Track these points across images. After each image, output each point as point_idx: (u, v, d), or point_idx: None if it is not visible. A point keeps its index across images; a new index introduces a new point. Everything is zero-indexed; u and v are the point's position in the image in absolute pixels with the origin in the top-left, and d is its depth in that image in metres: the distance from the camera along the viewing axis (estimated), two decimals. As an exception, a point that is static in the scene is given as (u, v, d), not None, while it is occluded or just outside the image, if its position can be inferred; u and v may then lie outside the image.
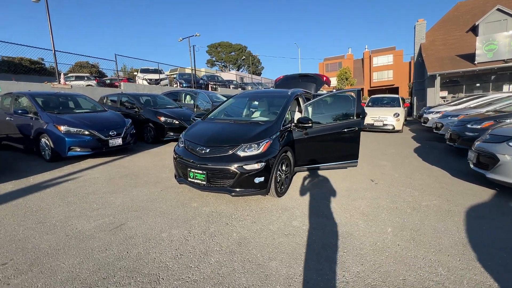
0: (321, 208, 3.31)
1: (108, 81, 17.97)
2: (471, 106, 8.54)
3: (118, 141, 5.93)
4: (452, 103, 10.74)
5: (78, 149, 5.42)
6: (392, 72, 47.60)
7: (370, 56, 49.79)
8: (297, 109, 4.93)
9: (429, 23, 17.01)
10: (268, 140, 3.39)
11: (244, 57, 60.14)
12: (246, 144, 3.31)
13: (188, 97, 11.16)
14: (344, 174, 4.75)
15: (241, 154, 3.26)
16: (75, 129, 5.46)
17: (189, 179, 3.42)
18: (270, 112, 4.36)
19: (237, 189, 3.23)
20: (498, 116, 5.38)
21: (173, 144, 7.73)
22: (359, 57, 52.91)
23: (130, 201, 3.57)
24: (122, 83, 12.38)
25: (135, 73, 17.11)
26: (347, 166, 4.19)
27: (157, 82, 14.89)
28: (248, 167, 3.18)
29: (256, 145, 3.31)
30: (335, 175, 4.68)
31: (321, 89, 6.49)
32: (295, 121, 4.03)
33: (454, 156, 5.98)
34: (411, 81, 22.56)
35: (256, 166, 3.19)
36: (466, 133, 5.62)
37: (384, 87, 47.25)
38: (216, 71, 39.46)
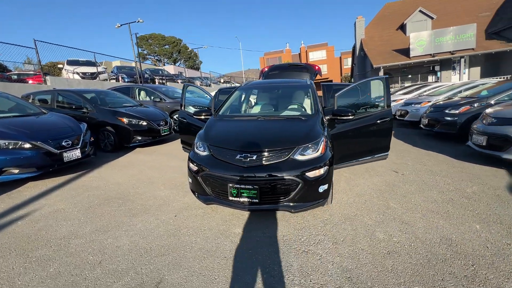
0: (383, 211, 2.91)
1: (16, 76, 14.01)
2: (426, 94, 9.58)
3: (76, 153, 4.38)
4: (400, 92, 11.94)
5: (16, 171, 3.75)
6: (326, 66, 51.86)
7: (306, 51, 53.04)
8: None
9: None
10: (324, 139, 2.79)
11: (180, 50, 56.61)
12: (302, 145, 2.64)
13: (143, 93, 9.49)
14: (363, 168, 4.50)
15: (300, 158, 2.58)
16: (5, 142, 3.75)
17: (230, 197, 2.55)
18: (293, 105, 3.74)
19: (299, 204, 2.55)
20: (471, 101, 5.97)
21: (142, 150, 6.31)
22: (297, 51, 55.79)
23: (142, 240, 2.49)
24: (48, 78, 9.61)
25: (60, 66, 13.72)
26: (379, 159, 3.92)
27: (93, 76, 12.17)
28: (311, 173, 2.52)
29: (314, 146, 2.67)
30: (356, 170, 4.39)
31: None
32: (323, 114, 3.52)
33: (436, 140, 6.46)
34: (352, 74, 24.72)
35: (320, 171, 2.56)
36: (446, 118, 6.09)
37: (320, 81, 51.14)
38: (162, 66, 35.74)
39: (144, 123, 6.25)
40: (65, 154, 4.19)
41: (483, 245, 2.22)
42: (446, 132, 6.13)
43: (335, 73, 51.90)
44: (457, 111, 5.95)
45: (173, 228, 2.69)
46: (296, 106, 3.67)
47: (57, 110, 6.24)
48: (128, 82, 14.88)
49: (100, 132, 6.12)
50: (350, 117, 3.39)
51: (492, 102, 5.67)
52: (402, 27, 18.03)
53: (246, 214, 2.93)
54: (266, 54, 55.88)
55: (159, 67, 25.36)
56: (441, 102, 6.87)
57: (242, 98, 3.97)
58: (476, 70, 15.71)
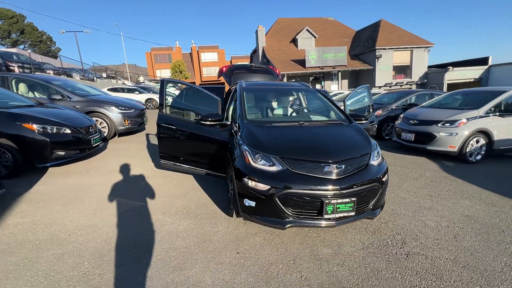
0: (404, 202, 3.38)
1: None
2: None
3: (-19, 189, 2.52)
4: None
5: None
6: (218, 68, 53.14)
7: (198, 51, 52.34)
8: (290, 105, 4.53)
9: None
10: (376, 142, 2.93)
11: (23, 30, 43.00)
12: (373, 150, 2.68)
13: (22, 85, 6.55)
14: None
15: (374, 163, 2.61)
16: None
17: (325, 215, 2.25)
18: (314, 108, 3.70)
19: (377, 209, 2.60)
20: (380, 107, 7.86)
21: (64, 171, 4.38)
22: (187, 51, 54.10)
23: (239, 298, 1.79)
24: None
25: None
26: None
27: None
28: (385, 178, 2.61)
29: (377, 150, 2.77)
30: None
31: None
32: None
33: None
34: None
35: (386, 176, 2.70)
36: (366, 119, 7.72)
37: (213, 82, 51.82)
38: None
39: (68, 131, 4.35)
40: (-38, 194, 2.31)
41: (488, 215, 3.02)
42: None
43: (227, 76, 54.00)
44: (374, 114, 7.66)
45: (258, 270, 2.08)
46: (301, 110, 3.66)
47: None
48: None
49: (-17, 148, 3.76)
50: (364, 122, 3.72)
51: (393, 107, 7.71)
52: (294, 41, 21.19)
53: (309, 230, 2.66)
54: (153, 49, 51.07)
55: (12, 50, 18.01)
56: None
57: (256, 100, 3.52)
58: (345, 82, 20.75)
